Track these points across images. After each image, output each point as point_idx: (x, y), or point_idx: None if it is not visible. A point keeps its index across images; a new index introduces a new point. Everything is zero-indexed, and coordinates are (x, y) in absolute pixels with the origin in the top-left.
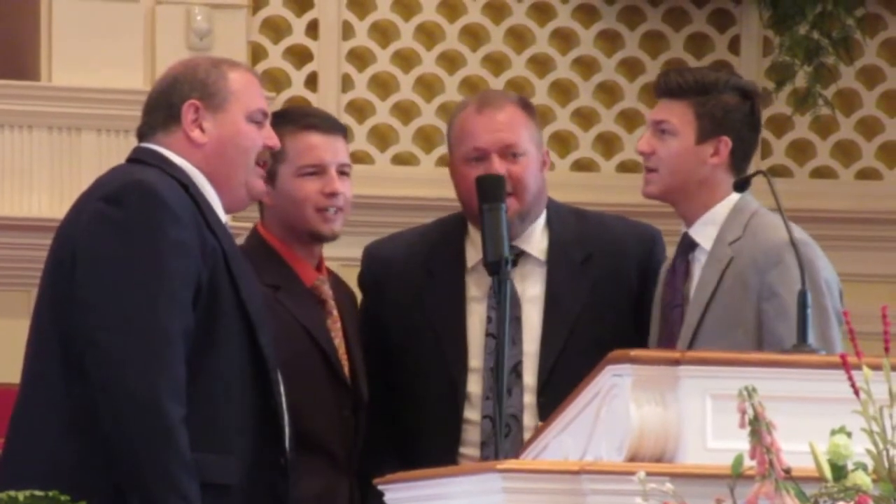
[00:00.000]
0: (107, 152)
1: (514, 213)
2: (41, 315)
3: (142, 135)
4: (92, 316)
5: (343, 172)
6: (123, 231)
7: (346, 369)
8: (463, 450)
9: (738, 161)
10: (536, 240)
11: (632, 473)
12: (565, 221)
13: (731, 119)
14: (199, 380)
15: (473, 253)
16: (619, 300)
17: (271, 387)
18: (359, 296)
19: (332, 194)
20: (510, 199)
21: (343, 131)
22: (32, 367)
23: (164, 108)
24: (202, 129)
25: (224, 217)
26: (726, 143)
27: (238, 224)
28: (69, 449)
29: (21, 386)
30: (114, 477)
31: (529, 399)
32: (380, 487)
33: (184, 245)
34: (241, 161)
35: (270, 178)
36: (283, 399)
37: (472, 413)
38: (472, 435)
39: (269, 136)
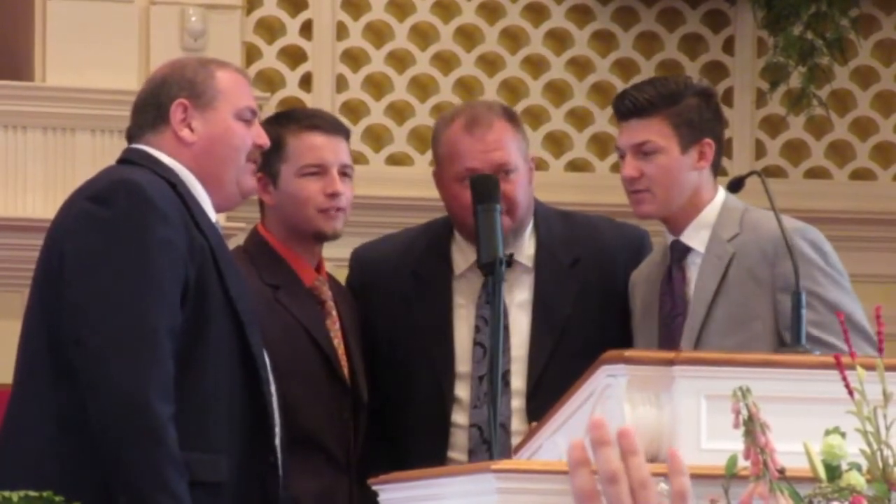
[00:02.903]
0: (101, 153)
1: (508, 230)
2: (31, 316)
3: (131, 136)
4: (79, 315)
5: (345, 173)
6: (110, 230)
7: (345, 370)
8: (452, 454)
9: (717, 159)
10: (524, 245)
11: None
12: (552, 225)
13: (705, 120)
14: (188, 378)
15: (461, 260)
16: (607, 303)
17: (261, 385)
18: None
19: (334, 194)
20: (504, 217)
21: (346, 133)
22: (23, 368)
23: (153, 108)
24: (191, 129)
25: (214, 216)
26: (710, 145)
27: (232, 224)
28: (59, 449)
29: (12, 387)
30: (103, 476)
31: (518, 403)
32: (374, 488)
33: (171, 243)
34: (230, 159)
35: (272, 177)
36: (274, 397)
37: (460, 417)
38: (460, 439)
39: (258, 135)
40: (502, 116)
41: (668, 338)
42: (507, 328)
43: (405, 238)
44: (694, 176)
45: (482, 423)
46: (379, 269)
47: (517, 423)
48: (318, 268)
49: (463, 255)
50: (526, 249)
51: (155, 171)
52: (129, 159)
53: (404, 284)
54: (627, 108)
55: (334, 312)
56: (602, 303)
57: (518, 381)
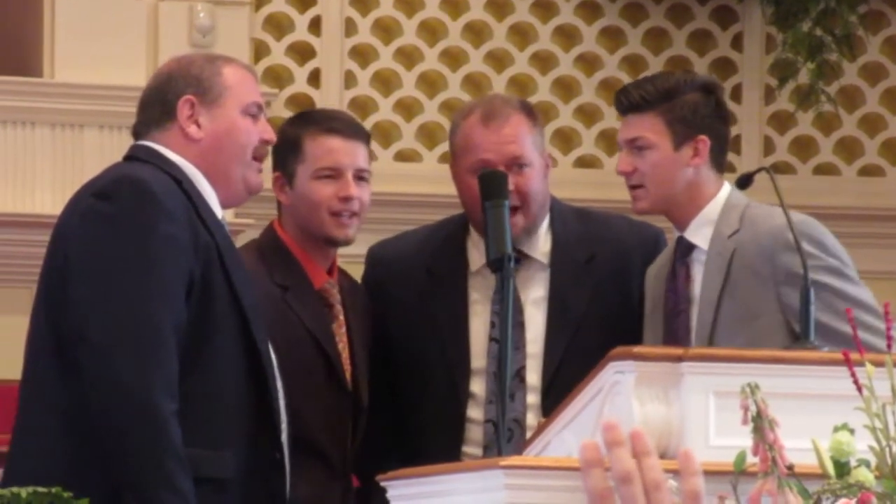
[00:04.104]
0: (109, 149)
1: (521, 230)
2: (38, 313)
3: (137, 133)
4: (83, 312)
5: (361, 178)
6: (114, 226)
7: (347, 374)
8: (466, 448)
9: (718, 156)
10: (540, 242)
11: None
12: (568, 222)
13: (702, 116)
14: (194, 375)
15: (476, 256)
16: (622, 301)
17: (266, 381)
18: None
19: (347, 199)
20: (517, 215)
21: (365, 137)
22: (30, 366)
23: (159, 104)
24: (198, 125)
25: (220, 213)
26: (704, 142)
27: (240, 220)
28: (65, 446)
29: (20, 384)
30: (108, 473)
31: (533, 399)
32: (382, 484)
33: (175, 240)
34: (237, 155)
35: (288, 178)
36: (280, 394)
37: (475, 412)
38: (475, 434)
39: (264, 130)
40: (519, 110)
41: (671, 334)
42: (522, 324)
43: (421, 235)
44: (689, 173)
45: (497, 418)
46: (394, 267)
47: (532, 419)
48: (331, 270)
49: (479, 251)
50: (541, 246)
51: (161, 168)
52: (135, 156)
53: (419, 281)
54: (624, 103)
55: (341, 316)
56: (617, 300)
57: (533, 376)
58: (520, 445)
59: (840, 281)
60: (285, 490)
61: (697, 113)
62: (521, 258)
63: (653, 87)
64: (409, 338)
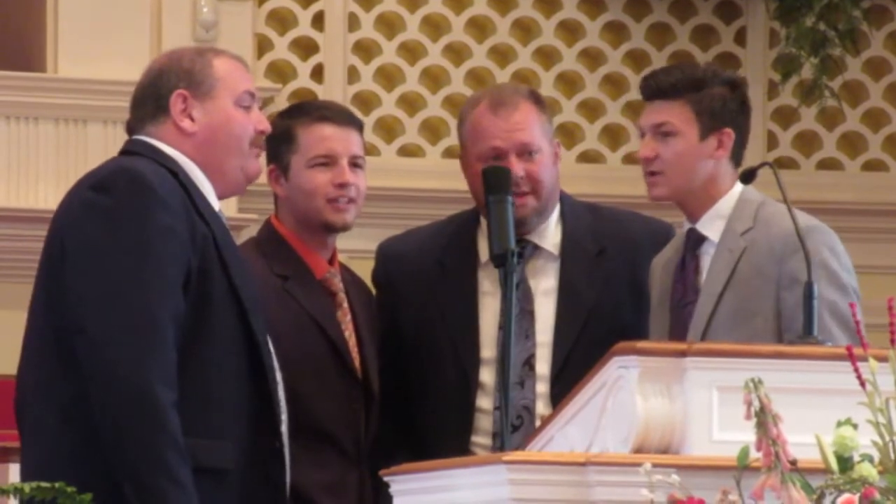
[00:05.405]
0: (113, 144)
1: (533, 211)
2: (36, 306)
3: (131, 129)
4: (82, 304)
5: (356, 165)
6: (111, 218)
7: (356, 361)
8: (475, 438)
9: (738, 151)
10: (550, 233)
11: (637, 465)
12: (579, 215)
13: (728, 110)
14: (193, 365)
15: (486, 247)
16: (632, 292)
17: (265, 371)
18: (373, 292)
19: (343, 185)
20: (528, 197)
21: (358, 125)
22: (29, 359)
23: (152, 100)
24: (192, 119)
25: (216, 205)
26: (729, 135)
27: (244, 216)
28: (66, 439)
29: (18, 376)
30: (108, 464)
31: (543, 388)
32: (386, 479)
33: (172, 230)
34: (233, 147)
35: (283, 169)
36: (279, 384)
37: (485, 402)
38: (484, 423)
39: (259, 121)
40: (528, 98)
41: (678, 325)
42: (532, 313)
43: (430, 230)
44: (710, 164)
45: (501, 406)
46: (404, 261)
47: (542, 407)
48: (332, 260)
49: (488, 243)
50: (552, 237)
51: (157, 161)
52: (132, 150)
53: (430, 274)
54: (652, 89)
55: (345, 304)
56: (627, 292)
57: (543, 366)
58: (529, 432)
59: (842, 297)
60: (285, 480)
61: (725, 106)
62: (532, 248)
63: (682, 75)
64: (420, 330)
